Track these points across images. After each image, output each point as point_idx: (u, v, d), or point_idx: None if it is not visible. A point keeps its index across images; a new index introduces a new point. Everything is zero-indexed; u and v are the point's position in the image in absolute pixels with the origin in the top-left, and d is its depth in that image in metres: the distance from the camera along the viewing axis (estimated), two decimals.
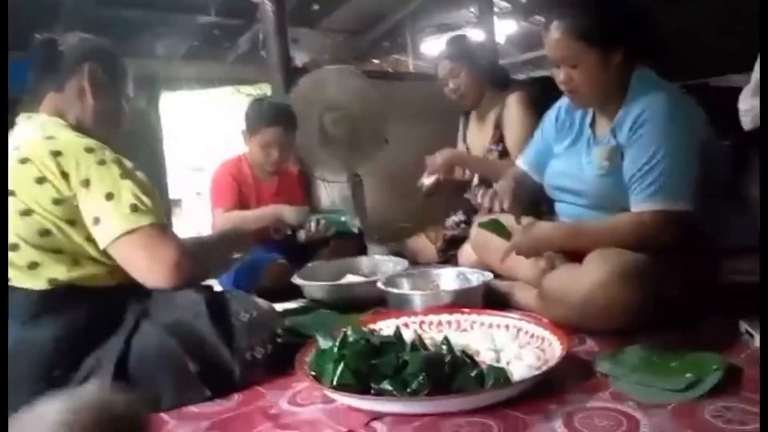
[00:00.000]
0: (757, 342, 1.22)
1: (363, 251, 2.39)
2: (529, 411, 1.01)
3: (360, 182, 2.69)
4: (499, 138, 2.22)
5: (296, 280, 1.88)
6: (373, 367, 1.09)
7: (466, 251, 2.07)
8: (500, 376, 1.05)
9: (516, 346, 1.26)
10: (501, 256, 1.54)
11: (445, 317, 1.48)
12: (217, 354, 1.17)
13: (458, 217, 2.42)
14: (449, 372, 1.07)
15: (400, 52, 6.80)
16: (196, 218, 4.26)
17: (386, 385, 1.04)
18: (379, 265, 2.07)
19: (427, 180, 2.26)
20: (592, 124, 1.57)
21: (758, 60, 1.55)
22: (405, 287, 1.75)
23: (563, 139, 1.64)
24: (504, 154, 2.21)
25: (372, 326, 1.45)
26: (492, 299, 1.66)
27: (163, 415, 1.12)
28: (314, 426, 1.04)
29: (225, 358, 1.18)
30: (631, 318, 1.29)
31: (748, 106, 1.64)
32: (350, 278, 1.95)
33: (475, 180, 2.30)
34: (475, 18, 5.21)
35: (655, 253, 1.34)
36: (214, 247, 1.47)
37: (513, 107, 2.18)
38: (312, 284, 1.86)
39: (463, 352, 1.15)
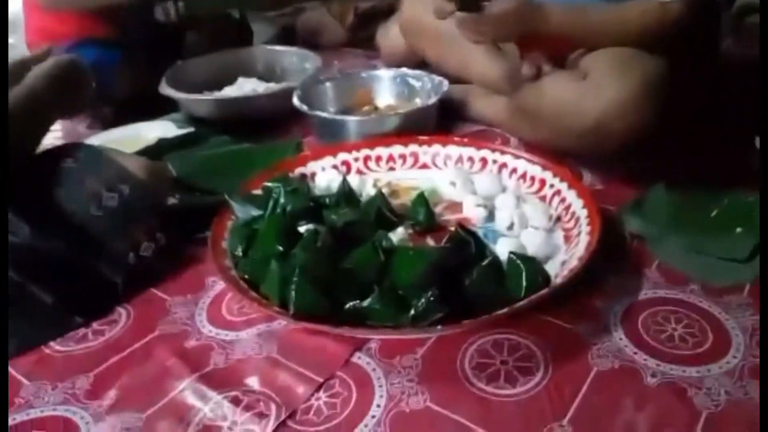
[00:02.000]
0: None
1: (247, 36, 1.81)
2: (572, 316, 0.73)
3: None
4: None
5: (166, 89, 1.33)
6: (343, 274, 0.71)
7: (392, 35, 1.58)
8: (536, 273, 0.72)
9: (511, 196, 0.93)
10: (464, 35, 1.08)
11: (397, 149, 1.09)
12: (83, 271, 0.72)
13: None
14: (459, 266, 0.72)
15: None
16: None
17: (374, 305, 0.68)
18: (279, 59, 1.54)
19: None
20: None
21: None
22: (329, 102, 1.29)
23: None
24: None
25: (302, 170, 1.04)
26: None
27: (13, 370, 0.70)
28: (262, 372, 0.68)
29: (96, 273, 0.73)
30: (645, 144, 1.00)
31: None
32: (244, 84, 1.43)
33: None
34: None
35: (672, 56, 1.00)
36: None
37: None
38: (194, 98, 1.33)
39: (461, 226, 0.80)
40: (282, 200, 0.85)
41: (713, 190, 0.94)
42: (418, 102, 1.30)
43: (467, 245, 0.76)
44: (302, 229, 0.81)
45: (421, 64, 1.46)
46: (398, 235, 0.82)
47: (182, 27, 1.59)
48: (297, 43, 1.97)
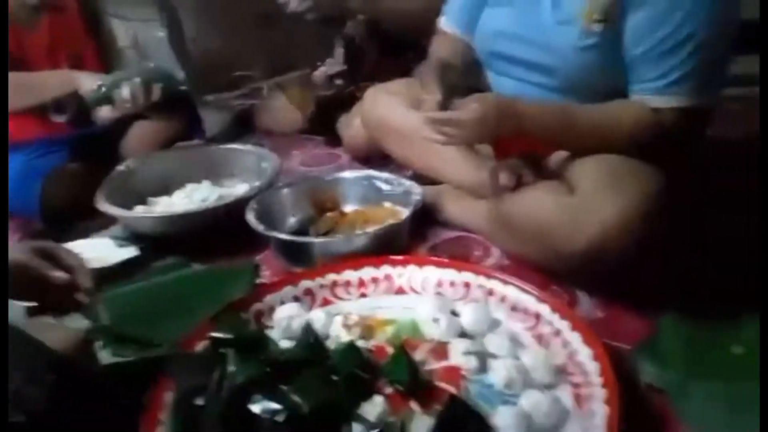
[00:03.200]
0: None
1: (195, 124, 1.67)
2: None
3: (176, 14, 1.84)
4: None
5: (103, 205, 1.18)
6: None
7: (355, 127, 1.48)
8: None
9: (504, 339, 0.80)
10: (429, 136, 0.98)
11: (368, 272, 0.96)
12: None
13: (333, 65, 1.75)
14: None
15: None
16: None
17: None
18: (233, 158, 1.40)
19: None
20: None
21: None
22: (290, 210, 1.16)
23: None
24: None
25: (258, 306, 0.90)
26: None
27: None
28: None
29: None
30: (642, 264, 0.89)
31: None
32: (194, 192, 1.28)
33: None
34: None
35: (664, 165, 0.91)
36: None
37: None
38: (136, 215, 1.18)
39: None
40: (232, 367, 0.70)
41: (729, 314, 0.83)
42: (387, 206, 1.18)
43: (466, 420, 0.63)
44: (256, 408, 0.66)
45: (386, 155, 1.36)
46: (376, 407, 0.68)
47: (126, 120, 1.45)
48: (253, 130, 1.87)
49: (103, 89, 1.21)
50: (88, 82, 1.26)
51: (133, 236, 1.17)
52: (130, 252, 1.11)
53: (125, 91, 1.20)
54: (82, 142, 1.36)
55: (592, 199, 0.86)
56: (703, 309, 0.85)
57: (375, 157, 1.49)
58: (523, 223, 0.94)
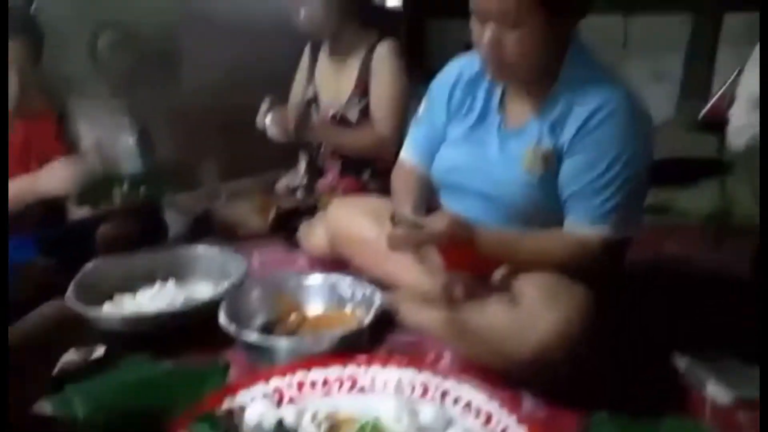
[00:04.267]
0: (711, 390, 1.05)
1: (159, 227, 1.75)
2: None
3: (145, 122, 1.95)
4: (363, 90, 1.74)
5: (71, 301, 1.22)
6: None
7: (317, 236, 1.60)
8: None
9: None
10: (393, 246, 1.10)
11: (334, 372, 1.04)
12: None
13: (295, 178, 1.90)
14: None
15: None
16: None
17: None
18: (199, 260, 1.48)
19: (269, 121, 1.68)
20: (501, 104, 1.20)
21: (754, 66, 1.25)
22: (255, 312, 1.24)
23: (460, 122, 1.25)
24: (365, 112, 1.74)
25: (229, 403, 0.95)
26: None
27: None
28: None
29: None
30: (579, 371, 1.02)
31: (744, 121, 1.22)
32: (161, 292, 1.34)
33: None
34: None
35: (592, 282, 1.07)
36: None
37: (386, 60, 1.70)
38: (104, 315, 1.22)
39: None
40: None
41: (650, 412, 0.96)
42: (348, 310, 1.28)
43: None
44: None
45: (345, 261, 1.47)
46: None
47: (94, 222, 1.51)
48: (213, 233, 1.95)
49: (93, 191, 1.29)
50: (57, 180, 1.34)
51: (100, 333, 1.20)
52: (98, 352, 1.14)
53: (115, 196, 1.29)
54: (52, 238, 1.41)
55: (533, 312, 0.99)
56: (629, 407, 0.97)
57: (334, 262, 1.61)
58: (476, 331, 1.06)
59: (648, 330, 1.24)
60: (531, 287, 1.04)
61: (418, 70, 1.90)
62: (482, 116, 1.21)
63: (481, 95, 1.22)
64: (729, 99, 1.30)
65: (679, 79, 3.76)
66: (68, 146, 1.62)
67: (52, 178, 1.38)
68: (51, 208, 1.43)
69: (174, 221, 1.89)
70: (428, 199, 1.29)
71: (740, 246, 1.68)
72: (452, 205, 1.27)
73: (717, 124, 1.40)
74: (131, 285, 1.37)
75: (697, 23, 3.48)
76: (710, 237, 1.66)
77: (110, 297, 1.32)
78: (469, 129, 1.23)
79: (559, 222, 1.12)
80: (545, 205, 1.13)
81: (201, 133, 2.59)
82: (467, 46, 1.17)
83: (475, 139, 1.22)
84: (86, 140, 2.14)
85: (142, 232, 1.60)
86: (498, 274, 1.13)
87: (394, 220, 1.08)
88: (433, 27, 4.59)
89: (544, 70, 1.10)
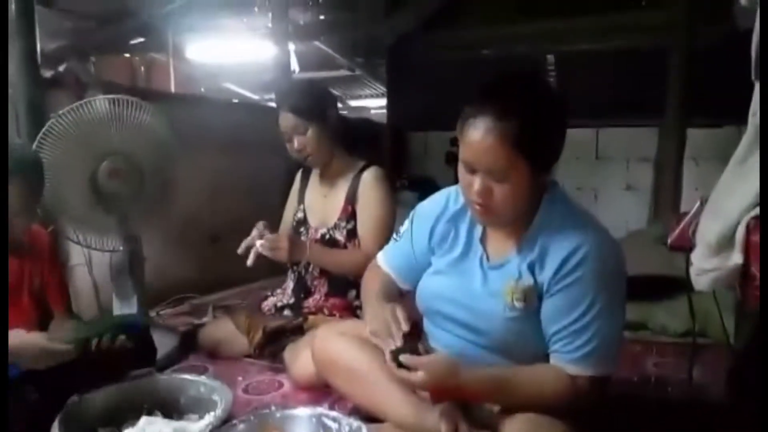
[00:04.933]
0: None
1: (148, 349, 1.74)
2: None
3: (138, 246, 2.01)
4: (351, 214, 1.82)
5: None
6: None
7: (302, 361, 1.61)
8: None
9: None
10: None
11: None
12: None
13: (282, 297, 1.93)
14: None
15: (158, 51, 5.84)
16: None
17: None
18: (184, 389, 1.47)
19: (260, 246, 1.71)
20: (483, 239, 1.28)
21: (713, 205, 1.32)
22: None
23: (444, 254, 1.32)
24: (353, 234, 1.82)
25: None
26: None
27: None
28: None
29: None
30: None
31: (706, 266, 1.16)
32: (146, 426, 1.33)
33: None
34: (263, 28, 4.67)
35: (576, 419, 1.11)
36: None
37: (373, 185, 1.81)
38: None
39: None
40: None
41: None
42: None
43: None
44: None
45: (329, 387, 1.48)
46: None
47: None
48: (196, 351, 1.95)
49: (72, 344, 1.32)
50: (45, 342, 1.34)
51: None
52: None
53: (93, 344, 1.33)
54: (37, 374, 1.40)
55: None
56: None
57: (318, 387, 1.61)
58: None
59: None
60: (515, 426, 1.07)
61: (398, 179, 2.01)
62: (466, 249, 1.29)
63: (463, 228, 1.29)
64: (693, 228, 1.38)
65: (650, 189, 3.96)
66: (62, 280, 1.65)
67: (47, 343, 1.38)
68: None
69: (159, 343, 1.89)
70: (395, 298, 1.35)
71: (713, 363, 1.74)
72: (436, 333, 1.31)
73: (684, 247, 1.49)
74: (117, 417, 1.36)
75: (662, 136, 3.72)
76: (687, 354, 1.71)
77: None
78: (454, 260, 1.29)
79: (544, 354, 1.17)
80: (529, 338, 1.17)
81: (191, 246, 2.66)
82: (448, 156, 1.28)
83: (460, 271, 1.28)
84: (76, 256, 2.19)
85: (134, 350, 1.60)
86: (485, 412, 1.16)
87: (393, 355, 1.11)
88: (415, 139, 4.84)
89: (522, 213, 1.19)
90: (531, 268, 1.17)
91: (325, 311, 1.82)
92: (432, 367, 1.09)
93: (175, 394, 1.46)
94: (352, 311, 1.82)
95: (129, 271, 1.92)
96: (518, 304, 1.17)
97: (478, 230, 1.28)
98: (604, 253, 1.12)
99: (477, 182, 1.11)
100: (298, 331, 1.78)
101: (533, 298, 1.16)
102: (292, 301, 1.90)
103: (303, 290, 1.88)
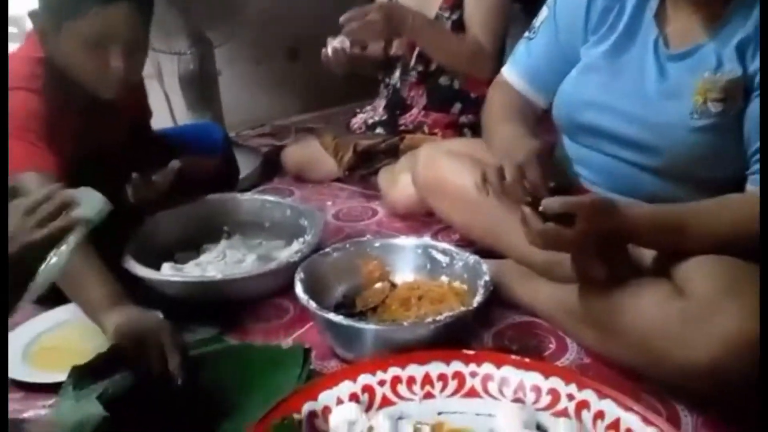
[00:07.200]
0: None
1: (230, 168, 1.53)
2: None
3: (210, 52, 1.74)
4: (456, 2, 1.44)
5: (130, 263, 1.05)
6: None
7: (402, 184, 1.37)
8: None
9: None
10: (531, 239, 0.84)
11: (435, 368, 0.83)
12: None
13: (374, 114, 1.64)
14: None
15: None
16: None
17: None
18: (269, 212, 1.27)
19: (338, 45, 1.45)
20: (659, 17, 0.90)
21: None
22: (335, 280, 1.04)
23: (601, 41, 0.95)
24: (458, 26, 1.45)
25: (311, 405, 0.77)
26: None
27: None
28: None
29: None
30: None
31: None
32: (227, 252, 1.16)
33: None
34: None
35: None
36: None
37: None
38: (159, 277, 1.05)
39: None
40: None
41: None
42: (444, 280, 1.06)
43: None
44: None
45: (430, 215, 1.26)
46: None
47: None
48: (281, 173, 1.76)
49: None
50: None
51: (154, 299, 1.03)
52: None
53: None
54: None
55: (709, 307, 0.74)
56: None
57: (418, 215, 1.39)
58: (617, 324, 0.82)
59: None
60: (703, 274, 0.78)
61: None
62: (631, 32, 0.92)
63: (630, 2, 0.92)
64: None
65: None
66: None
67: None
68: None
69: (240, 163, 1.70)
70: (533, 130, 1.02)
71: None
72: (582, 154, 1.00)
73: None
74: (195, 240, 1.21)
75: None
76: None
77: (170, 255, 1.16)
78: (614, 48, 0.93)
79: (737, 180, 0.84)
80: (721, 157, 0.84)
81: (267, 61, 2.37)
82: None
83: (622, 64, 0.92)
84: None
85: (216, 171, 1.42)
86: (649, 255, 0.88)
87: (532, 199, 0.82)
88: None
89: None
90: (738, 53, 0.80)
91: (425, 129, 1.53)
92: (588, 212, 0.79)
93: (258, 217, 1.27)
94: (458, 129, 1.52)
95: (200, 82, 1.68)
96: (714, 107, 0.82)
97: (653, 4, 0.90)
98: None
99: None
100: (393, 152, 1.52)
101: (738, 95, 0.80)
102: (385, 117, 1.61)
103: (398, 105, 1.58)
